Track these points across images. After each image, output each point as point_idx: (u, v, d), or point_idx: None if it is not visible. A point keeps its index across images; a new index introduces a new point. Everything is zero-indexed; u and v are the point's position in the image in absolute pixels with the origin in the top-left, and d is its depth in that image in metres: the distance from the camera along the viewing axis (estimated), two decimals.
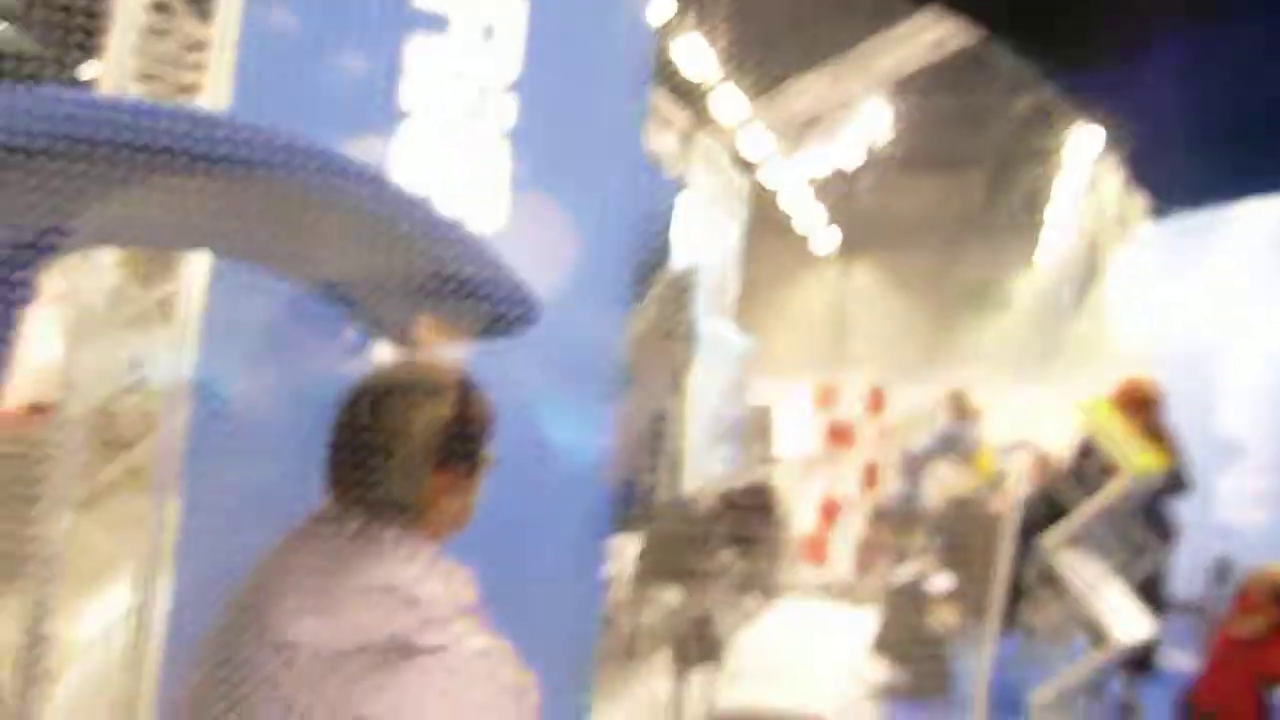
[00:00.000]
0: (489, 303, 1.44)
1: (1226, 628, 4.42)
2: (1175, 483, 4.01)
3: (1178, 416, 4.17)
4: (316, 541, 1.19)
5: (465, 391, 1.28)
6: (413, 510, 1.21)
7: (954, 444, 6.28)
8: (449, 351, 1.39)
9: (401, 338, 1.45)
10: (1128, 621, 2.83)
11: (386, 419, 1.21)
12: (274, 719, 1.09)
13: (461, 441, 1.25)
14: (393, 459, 1.20)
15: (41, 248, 1.33)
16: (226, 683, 1.13)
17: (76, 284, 2.70)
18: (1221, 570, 5.08)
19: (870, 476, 7.40)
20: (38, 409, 2.55)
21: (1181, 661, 5.03)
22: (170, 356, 2.77)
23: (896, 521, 6.91)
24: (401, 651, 1.09)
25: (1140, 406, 3.78)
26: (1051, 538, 2.92)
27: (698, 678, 2.82)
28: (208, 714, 1.16)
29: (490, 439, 1.32)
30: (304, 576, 1.15)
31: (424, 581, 1.15)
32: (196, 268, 2.75)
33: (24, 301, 1.39)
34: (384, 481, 1.19)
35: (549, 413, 2.53)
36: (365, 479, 1.20)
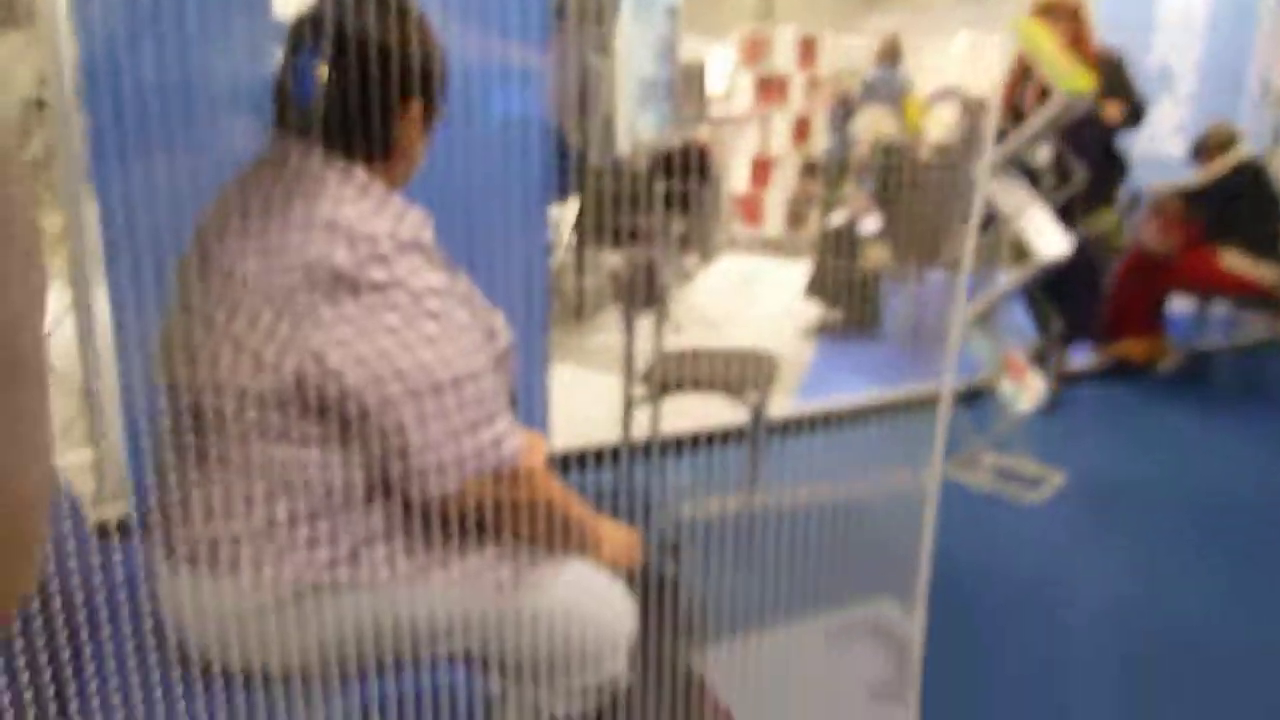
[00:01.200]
0: None
1: (1137, 247, 4.72)
2: (1133, 115, 3.99)
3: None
4: (260, 183, 1.16)
5: (418, 20, 1.20)
6: (361, 145, 1.17)
7: (883, 89, 6.20)
8: None
9: None
10: (1049, 240, 2.97)
11: (337, 45, 1.13)
12: (228, 360, 1.11)
13: (416, 72, 1.18)
14: (342, 87, 1.14)
15: None
16: (184, 330, 1.14)
17: None
18: (1135, 199, 5.27)
19: (801, 130, 7.34)
20: None
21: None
22: (44, 61, 2.53)
23: (827, 174, 6.97)
24: (348, 287, 1.08)
25: (1058, 16, 3.68)
26: (980, 166, 2.97)
27: (645, 326, 2.95)
28: (170, 367, 1.18)
29: (443, 82, 1.26)
30: (246, 217, 1.12)
31: (371, 218, 1.13)
32: None
33: None
34: (332, 112, 1.14)
35: (482, 79, 2.45)
36: (311, 111, 1.14)
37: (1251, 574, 2.79)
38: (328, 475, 1.15)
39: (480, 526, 1.21)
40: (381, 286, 1.10)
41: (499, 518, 1.20)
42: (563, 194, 4.38)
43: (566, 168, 4.27)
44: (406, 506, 1.19)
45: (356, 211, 1.12)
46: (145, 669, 1.13)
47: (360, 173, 1.17)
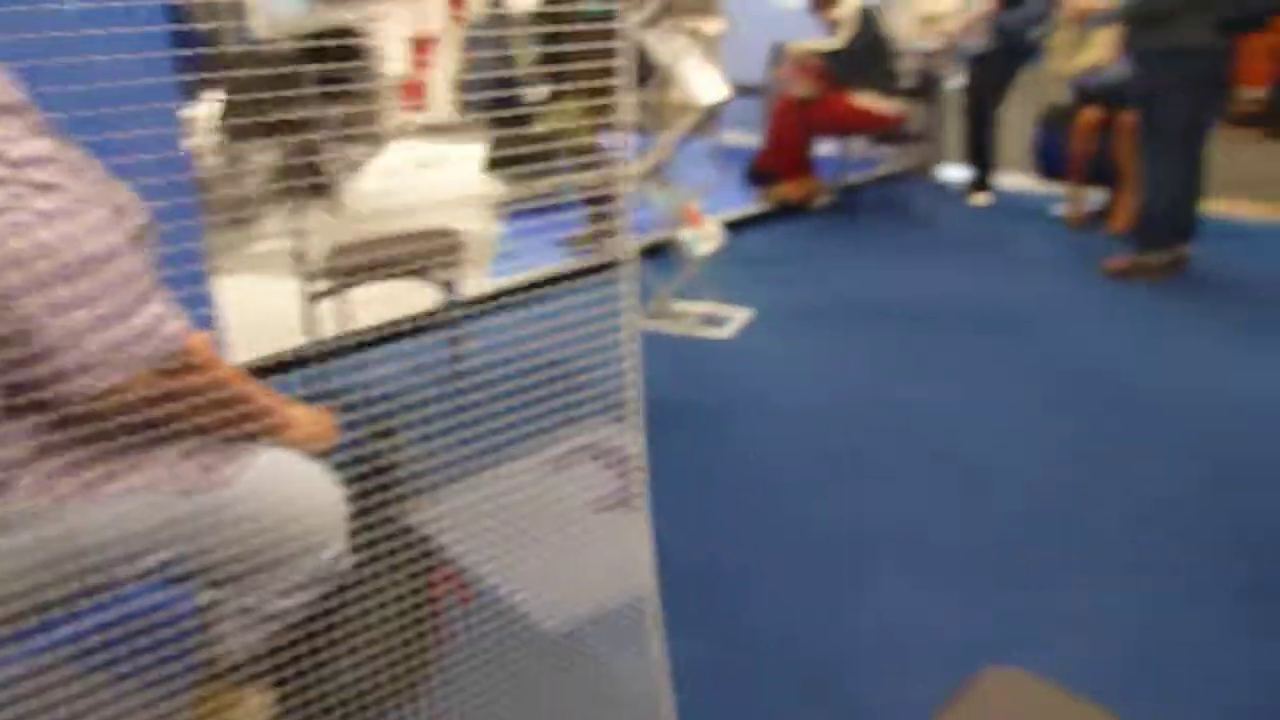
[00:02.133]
0: None
1: (784, 96, 5.07)
2: None
3: None
4: None
5: None
6: None
7: None
8: None
9: None
10: (707, 87, 3.09)
11: None
12: None
13: None
14: None
15: None
16: None
17: None
18: (776, 53, 5.62)
19: (458, 3, 7.04)
20: None
21: (747, 139, 5.73)
22: None
23: (493, 45, 6.77)
24: None
25: None
26: (638, 19, 3.02)
27: (315, 221, 2.75)
28: None
29: None
30: None
31: None
32: None
33: None
34: None
35: None
36: None
37: (912, 355, 3.20)
38: None
39: (152, 424, 1.07)
40: None
41: (171, 411, 1.07)
42: (198, 87, 3.93)
43: (198, 57, 3.81)
44: (60, 416, 1.03)
45: None
46: None
47: None
